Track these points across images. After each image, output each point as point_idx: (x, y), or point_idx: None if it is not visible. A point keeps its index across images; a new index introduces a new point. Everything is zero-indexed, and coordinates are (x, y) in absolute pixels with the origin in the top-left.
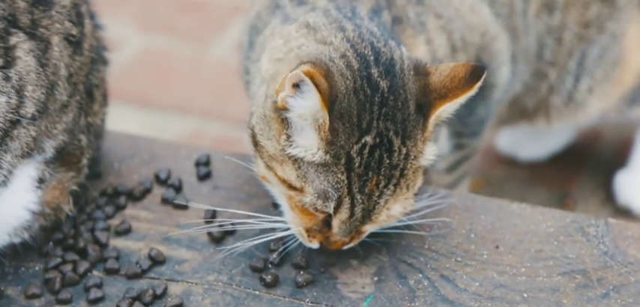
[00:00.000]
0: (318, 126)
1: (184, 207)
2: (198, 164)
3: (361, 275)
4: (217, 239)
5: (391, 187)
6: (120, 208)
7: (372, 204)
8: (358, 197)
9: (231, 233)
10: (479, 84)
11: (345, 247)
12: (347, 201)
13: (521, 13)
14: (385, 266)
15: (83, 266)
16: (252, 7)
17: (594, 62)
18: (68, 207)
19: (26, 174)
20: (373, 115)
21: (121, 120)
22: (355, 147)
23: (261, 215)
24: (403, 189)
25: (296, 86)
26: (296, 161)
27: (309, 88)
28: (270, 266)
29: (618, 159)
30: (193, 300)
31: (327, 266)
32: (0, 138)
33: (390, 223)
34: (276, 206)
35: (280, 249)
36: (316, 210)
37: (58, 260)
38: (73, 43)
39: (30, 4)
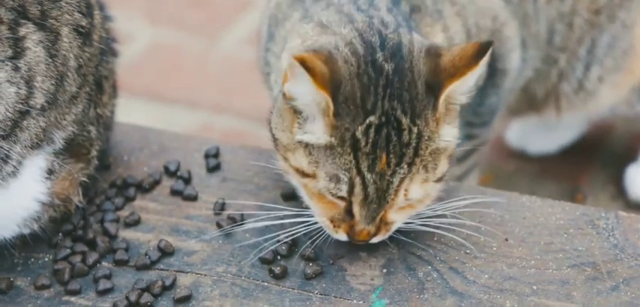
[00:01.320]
0: (323, 110)
1: (193, 199)
2: (207, 156)
3: (370, 267)
4: (226, 231)
5: (404, 166)
6: (129, 200)
7: (385, 184)
8: (369, 176)
9: (240, 224)
10: (485, 59)
11: (374, 240)
12: (358, 181)
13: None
14: (394, 258)
15: (92, 257)
16: None
17: (604, 51)
18: (77, 199)
19: (35, 165)
20: (378, 96)
21: (130, 113)
22: (360, 129)
23: (290, 208)
24: (420, 170)
25: (294, 74)
26: (306, 147)
27: (302, 73)
28: (279, 258)
29: (629, 154)
30: (202, 291)
31: (336, 258)
32: (9, 128)
33: (416, 210)
34: (284, 198)
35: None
36: (331, 195)
37: (68, 251)
38: (83, 34)
39: None
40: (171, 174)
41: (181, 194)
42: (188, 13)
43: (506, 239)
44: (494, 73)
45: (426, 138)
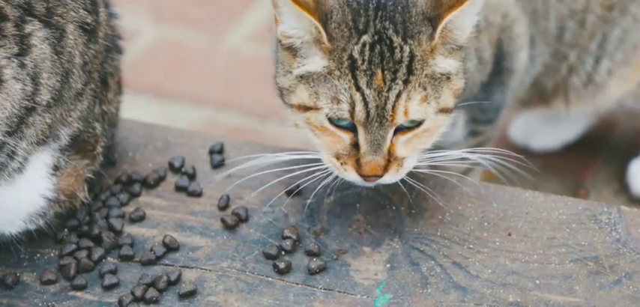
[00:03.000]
0: (315, 38)
1: (198, 195)
2: (211, 152)
3: (374, 262)
4: (231, 227)
5: (399, 82)
6: (134, 195)
7: (383, 100)
8: (368, 92)
9: (244, 220)
10: None
11: (387, 178)
12: (358, 98)
13: None
14: (398, 253)
15: (98, 252)
16: None
17: (615, 44)
18: (83, 195)
19: (41, 162)
20: (369, 18)
21: (135, 110)
22: (356, 48)
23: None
24: (417, 88)
25: (279, 12)
26: (306, 80)
27: (285, 3)
28: (283, 253)
29: (632, 149)
30: (207, 286)
31: (340, 254)
32: (15, 124)
33: (424, 143)
34: (289, 194)
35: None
36: (334, 124)
37: (73, 246)
38: (88, 31)
39: None
40: (175, 170)
41: (186, 190)
42: (192, 10)
43: (509, 234)
44: (500, 71)
45: (419, 57)
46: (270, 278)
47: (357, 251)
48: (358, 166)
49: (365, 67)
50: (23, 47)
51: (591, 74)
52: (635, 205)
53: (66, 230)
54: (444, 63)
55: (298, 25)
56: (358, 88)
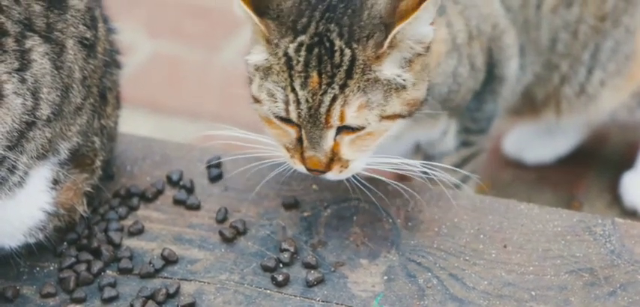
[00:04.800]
0: (260, 30)
1: (196, 208)
2: (209, 166)
3: (371, 274)
4: (229, 239)
5: (335, 87)
6: (133, 209)
7: (317, 103)
8: (301, 94)
9: (242, 233)
10: (425, 3)
11: (330, 176)
12: (292, 98)
13: (534, 6)
14: (395, 265)
15: (97, 265)
16: None
17: (608, 55)
18: (82, 208)
19: (41, 176)
20: (312, 19)
21: (131, 124)
22: (291, 47)
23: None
24: (355, 93)
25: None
26: (258, 73)
27: None
28: (281, 265)
29: (625, 162)
30: (206, 299)
31: (338, 266)
32: (16, 139)
33: (368, 146)
34: (286, 207)
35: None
36: (275, 116)
37: (73, 260)
38: (87, 47)
39: (45, 8)
40: (174, 183)
41: (184, 203)
42: (188, 24)
43: (505, 246)
44: (492, 79)
45: (361, 62)
46: (268, 291)
47: (355, 263)
48: (302, 159)
49: (300, 68)
50: (24, 62)
51: (584, 84)
52: (628, 217)
53: (65, 243)
54: (392, 71)
55: (242, 13)
56: (293, 89)
